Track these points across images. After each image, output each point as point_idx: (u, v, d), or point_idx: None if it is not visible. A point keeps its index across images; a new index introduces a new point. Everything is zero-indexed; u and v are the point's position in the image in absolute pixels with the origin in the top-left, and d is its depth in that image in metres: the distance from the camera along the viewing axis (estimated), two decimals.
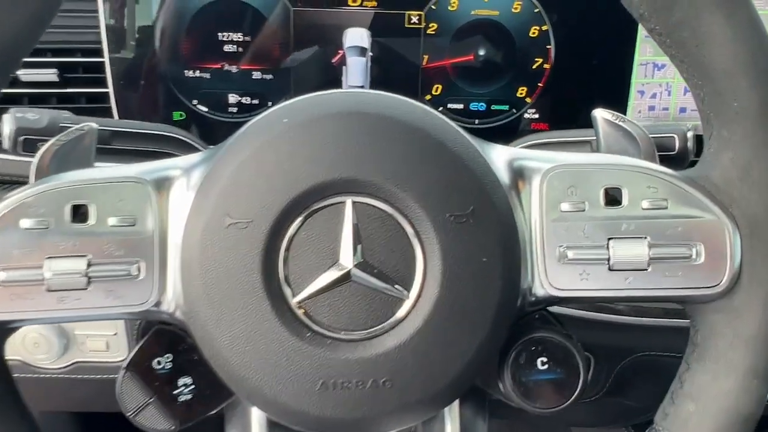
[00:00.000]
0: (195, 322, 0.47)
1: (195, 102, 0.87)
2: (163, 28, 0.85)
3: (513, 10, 0.85)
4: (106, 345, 0.86)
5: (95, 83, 0.87)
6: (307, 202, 0.46)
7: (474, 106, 0.89)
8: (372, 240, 0.47)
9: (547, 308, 0.53)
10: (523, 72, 0.87)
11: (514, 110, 0.89)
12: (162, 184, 0.49)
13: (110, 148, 0.65)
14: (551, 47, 0.86)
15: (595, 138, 0.60)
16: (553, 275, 0.49)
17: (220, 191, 0.46)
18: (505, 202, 0.49)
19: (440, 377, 0.47)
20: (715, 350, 0.49)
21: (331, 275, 0.46)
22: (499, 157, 0.51)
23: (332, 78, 0.87)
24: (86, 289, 0.47)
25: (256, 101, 0.88)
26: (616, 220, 0.49)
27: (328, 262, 0.46)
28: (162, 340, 0.52)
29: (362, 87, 0.86)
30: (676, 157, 0.63)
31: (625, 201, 0.49)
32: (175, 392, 0.51)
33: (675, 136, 0.62)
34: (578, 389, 0.52)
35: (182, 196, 0.49)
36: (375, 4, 0.85)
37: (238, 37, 0.85)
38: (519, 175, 0.51)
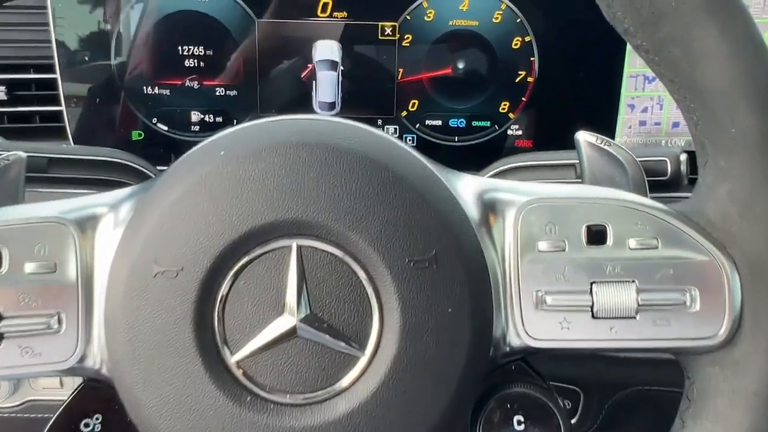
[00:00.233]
0: (121, 383, 0.42)
1: (154, 120, 0.82)
2: (119, 42, 0.79)
3: (493, 20, 0.80)
4: (60, 382, 0.80)
5: (48, 101, 0.81)
6: (246, 246, 0.41)
7: (453, 122, 0.83)
8: (321, 289, 0.41)
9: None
10: (505, 85, 0.82)
11: (496, 126, 0.83)
12: (86, 224, 0.43)
13: (49, 177, 0.60)
14: (535, 59, 0.81)
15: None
16: (529, 323, 0.44)
17: (147, 235, 0.41)
18: (473, 242, 0.43)
19: None
20: (713, 408, 0.43)
21: (274, 330, 0.41)
22: (468, 188, 0.45)
23: (301, 94, 0.81)
24: None
25: (219, 119, 0.82)
26: (599, 262, 0.43)
27: (270, 315, 0.41)
28: (91, 397, 0.46)
29: (333, 103, 0.81)
30: (669, 183, 0.57)
31: (609, 240, 0.44)
32: None
33: (666, 159, 0.57)
34: None
35: (109, 237, 0.43)
36: (346, 15, 0.79)
37: (199, 51, 0.80)
38: (490, 209, 0.45)
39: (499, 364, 0.45)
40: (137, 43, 0.79)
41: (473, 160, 0.84)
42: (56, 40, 0.78)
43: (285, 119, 0.45)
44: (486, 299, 0.43)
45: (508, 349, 0.44)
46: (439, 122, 0.83)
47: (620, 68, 0.81)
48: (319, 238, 0.41)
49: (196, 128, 0.82)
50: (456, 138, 0.84)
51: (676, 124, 0.84)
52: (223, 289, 0.41)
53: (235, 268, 0.41)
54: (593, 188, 0.47)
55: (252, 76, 0.81)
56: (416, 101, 0.82)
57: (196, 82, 0.81)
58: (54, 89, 0.80)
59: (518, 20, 0.80)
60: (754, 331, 0.42)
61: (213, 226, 0.40)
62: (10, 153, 0.51)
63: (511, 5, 0.79)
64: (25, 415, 0.84)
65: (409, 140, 0.83)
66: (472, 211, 0.44)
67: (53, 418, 0.46)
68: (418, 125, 0.83)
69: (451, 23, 0.80)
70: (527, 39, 0.80)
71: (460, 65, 0.81)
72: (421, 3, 0.79)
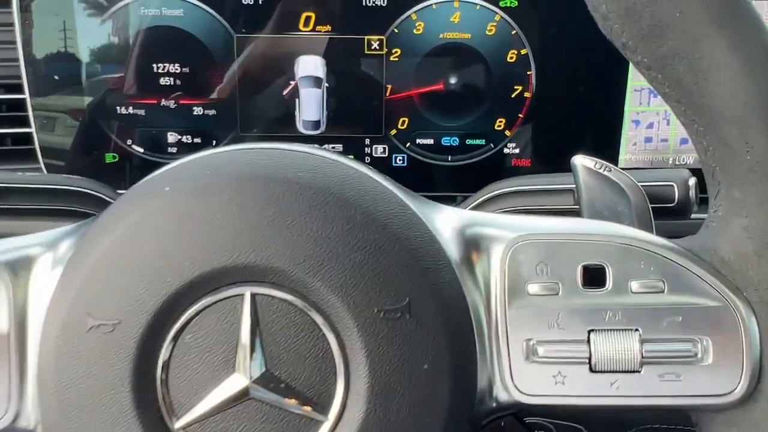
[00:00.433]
0: None
1: (129, 142, 0.77)
2: (88, 60, 0.75)
3: (487, 33, 0.75)
4: None
5: (18, 123, 0.77)
6: (192, 296, 0.36)
7: (446, 140, 0.78)
8: (278, 344, 0.36)
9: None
10: (500, 101, 0.77)
11: (492, 145, 0.78)
12: (20, 267, 0.39)
13: (2, 209, 0.55)
14: (532, 73, 0.76)
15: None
16: (519, 376, 0.39)
17: (81, 283, 0.36)
18: (454, 285, 0.38)
19: None
20: None
21: (224, 391, 0.36)
22: (447, 223, 0.40)
23: (284, 112, 0.77)
24: None
25: (198, 140, 0.78)
26: (598, 308, 0.38)
27: (220, 375, 0.36)
28: None
29: (317, 122, 0.76)
30: (676, 210, 0.52)
31: (609, 282, 0.39)
32: None
33: (674, 184, 0.52)
34: None
35: (45, 282, 0.38)
36: (330, 28, 0.75)
37: (175, 68, 0.75)
38: (474, 246, 0.40)
39: (486, 421, 0.40)
40: (110, 62, 0.75)
41: (467, 180, 0.79)
42: (25, 58, 0.74)
43: (238, 149, 0.40)
44: (468, 352, 0.38)
45: (495, 404, 0.39)
46: (430, 141, 0.78)
47: (623, 82, 0.76)
48: (275, 285, 0.36)
49: (174, 150, 0.78)
50: (449, 157, 0.79)
51: (684, 141, 0.78)
52: (167, 345, 0.36)
53: (180, 321, 0.36)
54: (590, 223, 0.41)
55: (232, 94, 0.76)
56: (406, 119, 0.77)
57: (173, 101, 0.76)
58: (23, 110, 0.76)
59: (513, 32, 0.75)
60: None
61: (155, 272, 0.35)
62: None
63: (505, 16, 0.74)
64: None
65: (399, 160, 0.78)
66: (453, 249, 0.39)
67: None
68: (408, 144, 0.78)
69: (441, 36, 0.75)
70: (523, 52, 0.75)
71: (453, 80, 0.76)
72: (410, 15, 0.74)
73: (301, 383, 0.36)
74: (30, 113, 0.75)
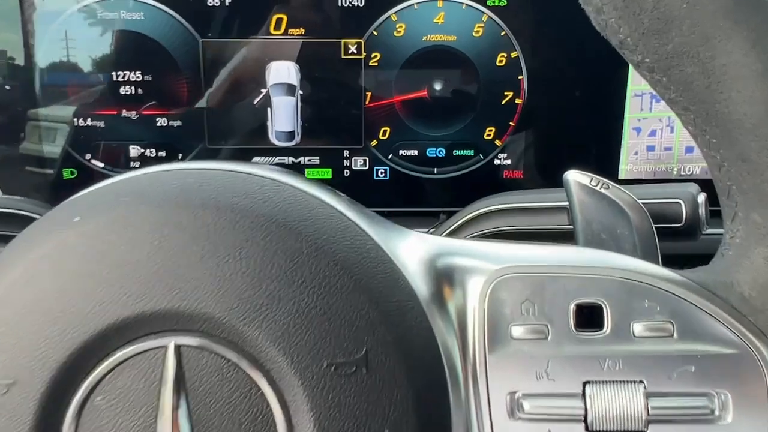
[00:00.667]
0: None
1: (88, 156, 0.71)
2: (43, 67, 0.69)
3: (474, 34, 0.69)
4: None
5: None
6: (103, 349, 0.30)
7: (431, 151, 0.72)
8: (208, 407, 0.30)
9: None
10: (489, 109, 0.71)
11: (481, 156, 0.72)
12: None
13: None
14: (523, 77, 0.70)
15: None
16: None
17: None
18: (422, 330, 0.32)
19: None
20: None
21: None
22: (415, 253, 0.34)
23: (255, 123, 0.71)
24: None
25: (162, 153, 0.72)
26: (595, 355, 0.32)
27: None
28: None
29: (291, 132, 0.70)
30: (684, 231, 0.46)
31: (607, 324, 0.33)
32: None
33: (680, 201, 0.46)
34: None
35: None
36: (303, 31, 0.69)
37: (136, 76, 0.69)
38: (447, 280, 0.34)
39: None
40: (65, 69, 0.69)
41: (455, 194, 0.73)
42: None
43: (165, 170, 0.34)
44: (440, 410, 0.32)
45: None
46: (414, 152, 0.72)
47: (623, 86, 0.71)
48: (204, 334, 0.30)
49: (137, 164, 0.72)
50: (435, 170, 0.73)
51: (689, 149, 0.72)
52: (73, 407, 0.30)
53: (90, 380, 0.30)
54: (585, 252, 0.35)
55: (198, 103, 0.70)
56: (388, 128, 0.71)
57: (134, 111, 0.70)
58: None
59: (502, 33, 0.69)
60: None
61: (58, 321, 0.29)
62: None
63: (493, 16, 0.69)
64: None
65: (381, 173, 0.73)
66: (421, 285, 0.33)
67: None
68: (390, 156, 0.72)
69: (424, 39, 0.69)
70: (513, 55, 0.70)
71: (437, 86, 0.71)
72: (390, 16, 0.68)
73: None
74: None
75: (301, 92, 0.70)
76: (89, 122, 0.70)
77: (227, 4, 0.68)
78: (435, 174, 0.73)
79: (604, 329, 0.32)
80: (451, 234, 0.53)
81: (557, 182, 0.72)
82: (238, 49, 0.69)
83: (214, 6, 0.68)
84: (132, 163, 0.72)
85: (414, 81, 0.70)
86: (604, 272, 0.33)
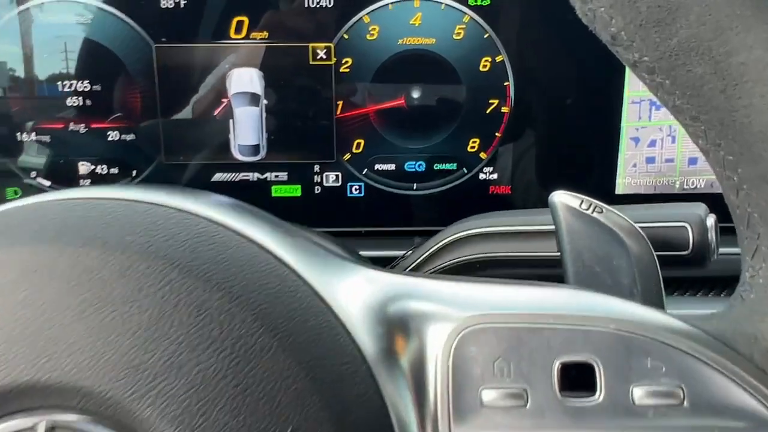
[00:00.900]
0: None
1: (33, 174, 0.65)
2: None
3: (454, 37, 0.63)
4: None
5: None
6: None
7: (410, 165, 0.66)
8: None
9: None
10: (473, 118, 0.65)
11: (465, 170, 0.66)
12: None
13: None
14: (509, 84, 0.64)
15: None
16: None
17: None
18: (368, 399, 0.26)
19: None
20: None
21: None
22: (362, 296, 0.28)
23: (216, 136, 0.65)
24: None
25: (115, 170, 0.65)
26: (585, 427, 0.26)
27: None
28: None
29: (256, 146, 0.64)
30: (691, 260, 0.40)
31: (601, 388, 0.26)
32: None
33: (687, 225, 0.39)
34: None
35: None
36: (266, 35, 0.62)
37: (84, 86, 0.63)
38: (402, 331, 0.28)
39: None
40: (5, 79, 0.63)
41: (437, 212, 0.67)
42: None
43: (49, 200, 0.27)
44: None
45: None
46: (391, 166, 0.66)
47: (619, 91, 0.64)
48: (83, 412, 0.23)
49: (86, 182, 0.65)
50: (414, 185, 0.66)
51: (693, 160, 0.66)
52: None
53: None
54: (572, 295, 0.29)
55: (152, 115, 0.64)
56: (362, 141, 0.65)
57: (83, 124, 0.64)
58: None
59: (486, 35, 0.63)
60: None
61: None
62: None
63: (475, 17, 0.62)
64: None
65: (355, 189, 0.66)
66: (368, 339, 0.27)
67: None
68: (365, 171, 0.66)
69: (400, 42, 0.63)
70: (498, 59, 0.63)
71: (415, 95, 0.64)
72: (362, 18, 0.62)
73: None
74: None
75: (265, 102, 0.64)
76: (33, 137, 0.64)
77: (182, 6, 0.61)
78: (414, 190, 0.66)
79: (597, 395, 0.26)
80: (425, 262, 0.47)
81: (548, 196, 0.66)
82: (195, 55, 0.63)
83: (168, 8, 0.61)
84: (82, 181, 0.65)
85: (390, 88, 0.64)
86: (596, 322, 0.26)
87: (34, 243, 0.25)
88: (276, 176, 0.66)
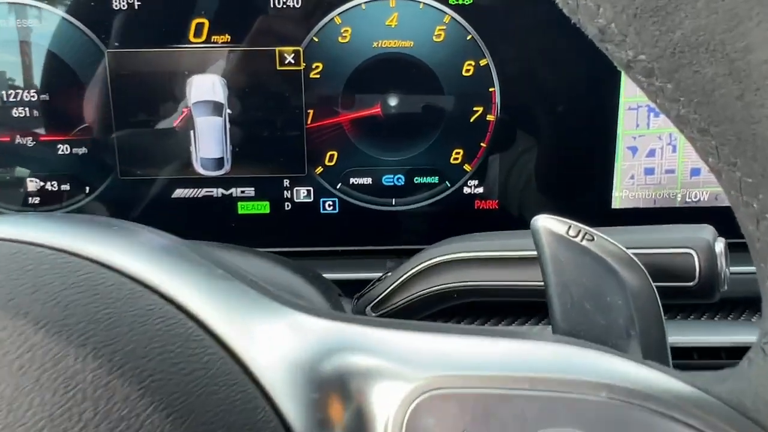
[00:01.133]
0: None
1: None
2: None
3: (434, 39, 0.58)
4: None
5: None
6: None
7: (388, 179, 0.61)
8: None
9: None
10: (456, 127, 0.60)
11: (447, 183, 0.61)
12: None
13: None
14: (495, 89, 0.59)
15: None
16: None
17: None
18: None
19: None
20: None
21: None
22: (289, 350, 0.23)
23: (176, 148, 0.59)
24: None
25: (66, 186, 0.60)
26: None
27: None
28: None
29: (220, 159, 0.59)
30: (697, 292, 0.34)
31: None
32: None
33: (692, 252, 0.34)
34: None
35: None
36: (229, 38, 0.57)
37: (31, 96, 0.58)
38: (340, 398, 0.22)
39: None
40: None
41: (418, 230, 0.62)
42: None
43: None
44: None
45: None
46: (368, 180, 0.61)
47: (615, 97, 0.59)
48: None
49: (35, 200, 0.60)
50: (393, 201, 0.61)
51: (695, 171, 0.61)
52: None
53: None
54: (555, 351, 0.23)
55: (106, 127, 0.59)
56: (335, 153, 0.60)
57: (31, 138, 0.59)
58: None
59: (469, 37, 0.58)
60: None
61: None
62: None
63: (457, 17, 0.57)
64: None
65: (329, 206, 0.61)
66: (294, 409, 0.21)
67: None
68: (339, 185, 0.60)
69: (375, 45, 0.58)
70: (483, 63, 0.58)
71: (392, 102, 0.59)
72: (333, 19, 0.57)
73: None
74: None
75: (229, 111, 0.59)
76: None
77: (137, 8, 0.56)
78: (393, 206, 0.61)
79: None
80: (396, 291, 0.42)
81: (539, 211, 0.61)
82: (151, 61, 0.57)
83: (120, 10, 0.56)
84: (31, 198, 0.60)
85: (364, 96, 0.59)
86: (584, 389, 0.21)
87: None
88: (242, 192, 0.60)
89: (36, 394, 0.18)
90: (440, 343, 0.23)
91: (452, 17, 0.57)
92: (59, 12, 0.57)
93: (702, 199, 0.61)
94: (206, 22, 0.57)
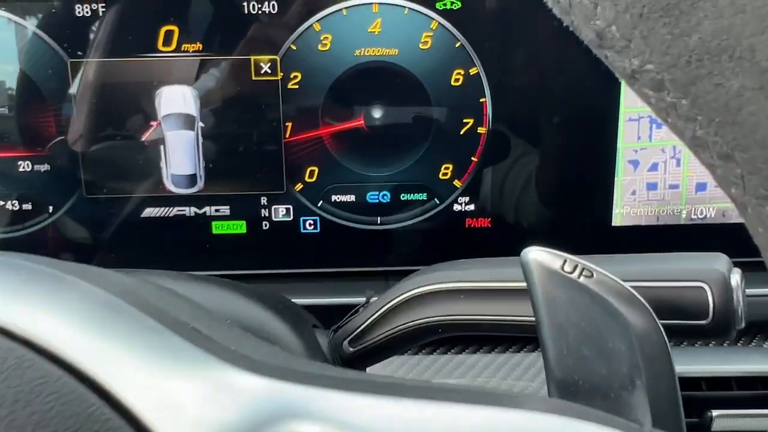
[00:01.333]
0: None
1: None
2: None
3: (421, 46, 0.54)
4: None
5: None
6: None
7: (373, 196, 0.57)
8: None
9: None
10: (445, 141, 0.56)
11: (436, 200, 0.57)
12: None
13: None
14: (486, 100, 0.55)
15: None
16: None
17: None
18: None
19: None
20: None
21: None
22: (212, 425, 0.19)
23: (145, 165, 0.56)
24: None
25: (28, 206, 0.56)
26: None
27: None
28: None
29: (192, 176, 0.56)
30: (710, 331, 0.30)
31: None
32: None
33: (705, 285, 0.30)
34: None
35: None
36: (200, 47, 0.54)
37: None
38: None
39: None
40: None
41: (405, 250, 0.58)
42: None
43: None
44: None
45: None
46: (351, 197, 0.57)
47: (615, 108, 0.55)
48: None
49: None
50: (378, 219, 0.57)
51: (701, 186, 0.57)
52: None
53: None
54: (543, 423, 0.19)
55: (71, 142, 0.55)
56: (315, 168, 0.56)
57: None
58: None
59: (457, 44, 0.54)
60: None
61: None
62: None
63: (445, 23, 0.53)
64: None
65: (309, 225, 0.57)
66: None
67: None
68: (320, 203, 0.57)
69: (357, 53, 0.54)
70: (473, 71, 0.54)
71: (376, 114, 0.55)
72: (312, 26, 0.53)
73: None
74: None
75: (201, 125, 0.55)
76: None
77: (101, 14, 0.53)
78: (378, 225, 0.57)
79: None
80: (376, 325, 0.38)
81: (534, 230, 0.57)
82: (117, 71, 0.54)
83: (84, 17, 0.53)
84: None
85: (346, 107, 0.55)
86: None
87: None
88: (216, 211, 0.56)
89: None
90: (405, 411, 0.19)
91: (440, 23, 0.54)
92: (17, 19, 0.53)
93: (709, 215, 0.57)
94: (176, 29, 0.53)
